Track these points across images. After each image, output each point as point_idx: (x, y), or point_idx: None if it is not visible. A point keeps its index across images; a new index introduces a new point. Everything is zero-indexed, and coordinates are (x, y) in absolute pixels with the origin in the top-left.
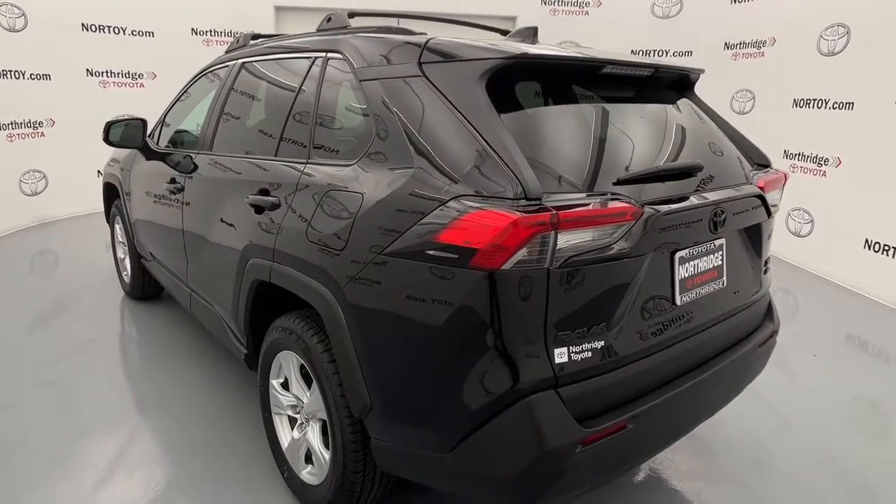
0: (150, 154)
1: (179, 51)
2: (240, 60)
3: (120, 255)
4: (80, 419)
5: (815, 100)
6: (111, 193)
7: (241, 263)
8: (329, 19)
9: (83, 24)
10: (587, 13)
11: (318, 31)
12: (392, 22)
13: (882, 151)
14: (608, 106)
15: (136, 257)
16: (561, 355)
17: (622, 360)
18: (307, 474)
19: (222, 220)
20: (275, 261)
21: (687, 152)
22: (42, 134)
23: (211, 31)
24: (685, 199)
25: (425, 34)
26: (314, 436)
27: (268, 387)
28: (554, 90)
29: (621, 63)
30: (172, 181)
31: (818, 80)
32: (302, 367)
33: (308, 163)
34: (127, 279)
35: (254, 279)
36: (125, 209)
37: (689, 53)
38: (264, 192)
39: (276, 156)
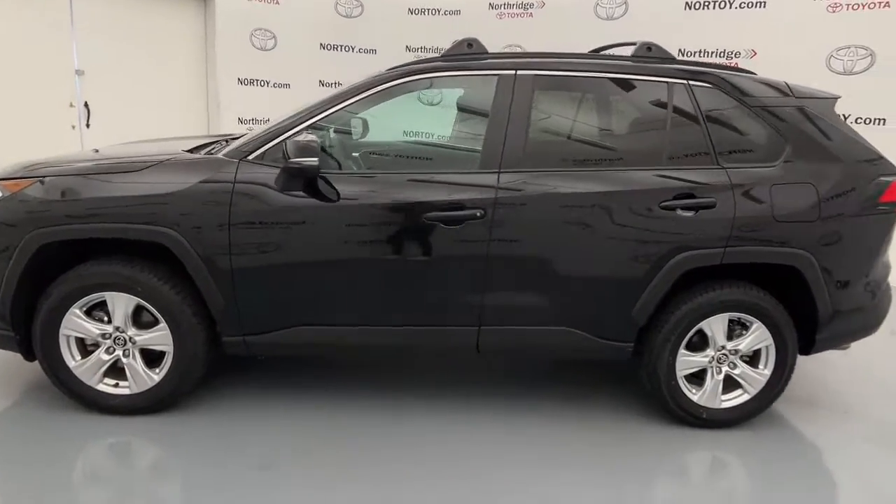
0: (333, 186)
1: None
2: (523, 73)
3: (101, 356)
4: None
5: None
6: (46, 262)
7: (660, 262)
8: (649, 48)
9: None
10: (531, 14)
11: (636, 57)
12: None
13: None
14: None
15: (203, 341)
16: None
17: None
18: (728, 400)
19: (611, 231)
20: (728, 246)
21: None
22: None
23: None
24: None
25: (753, 73)
26: (740, 366)
27: (676, 356)
28: None
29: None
30: (456, 207)
31: None
32: (730, 321)
33: (725, 168)
34: (133, 388)
35: (682, 271)
36: (207, 277)
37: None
38: (686, 195)
39: (663, 164)
